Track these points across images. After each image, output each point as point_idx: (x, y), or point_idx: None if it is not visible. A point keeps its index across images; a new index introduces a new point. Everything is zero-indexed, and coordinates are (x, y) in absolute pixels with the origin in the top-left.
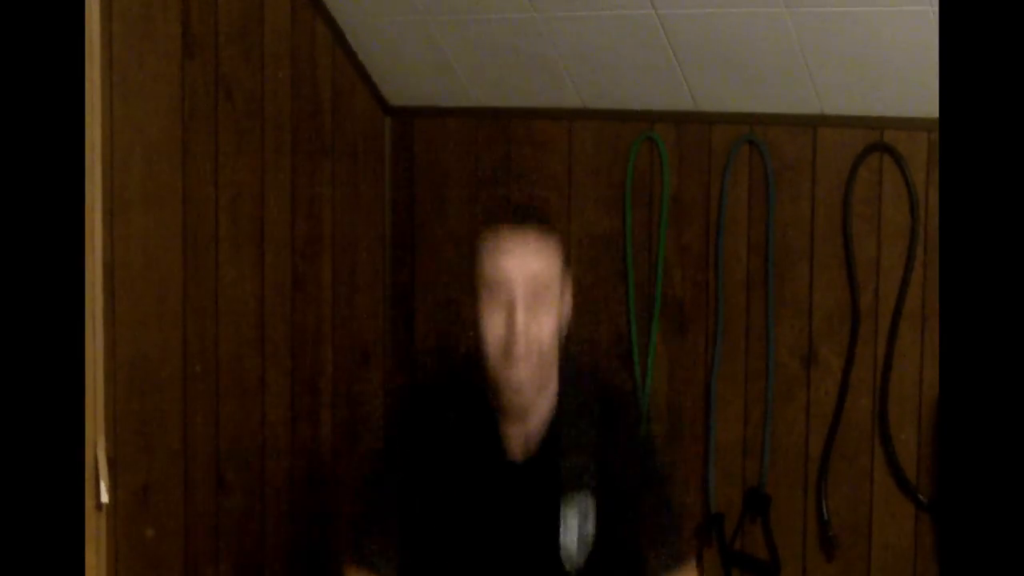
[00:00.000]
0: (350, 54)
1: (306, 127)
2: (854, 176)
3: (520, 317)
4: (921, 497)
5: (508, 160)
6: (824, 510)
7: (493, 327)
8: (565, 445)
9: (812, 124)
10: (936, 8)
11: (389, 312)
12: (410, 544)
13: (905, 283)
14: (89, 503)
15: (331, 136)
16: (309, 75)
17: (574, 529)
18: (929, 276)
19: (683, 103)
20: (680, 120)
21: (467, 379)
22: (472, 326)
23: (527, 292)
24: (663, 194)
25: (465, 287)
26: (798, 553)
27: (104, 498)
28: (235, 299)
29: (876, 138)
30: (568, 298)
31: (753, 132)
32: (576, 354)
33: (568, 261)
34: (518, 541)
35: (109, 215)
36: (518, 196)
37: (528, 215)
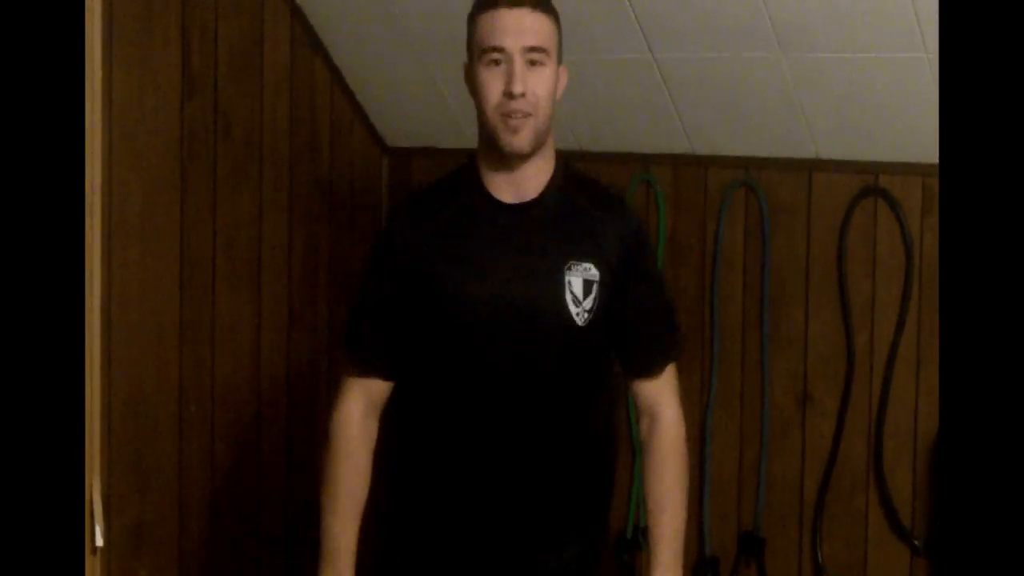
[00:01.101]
0: (348, 93)
1: (304, 165)
2: (849, 219)
3: (519, 78)
4: (916, 542)
5: None
6: (819, 553)
7: (492, 88)
8: (561, 209)
9: (807, 168)
10: (930, 55)
11: None
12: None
13: (900, 325)
14: (85, 546)
15: (328, 174)
16: (307, 114)
17: (578, 282)
18: (924, 319)
19: (679, 146)
20: (676, 162)
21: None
22: (471, 85)
23: (525, 57)
24: (659, 235)
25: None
26: None
27: (99, 542)
28: (232, 335)
29: (871, 182)
30: (563, 81)
31: (748, 175)
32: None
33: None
34: (515, 283)
35: (107, 251)
36: None
37: None
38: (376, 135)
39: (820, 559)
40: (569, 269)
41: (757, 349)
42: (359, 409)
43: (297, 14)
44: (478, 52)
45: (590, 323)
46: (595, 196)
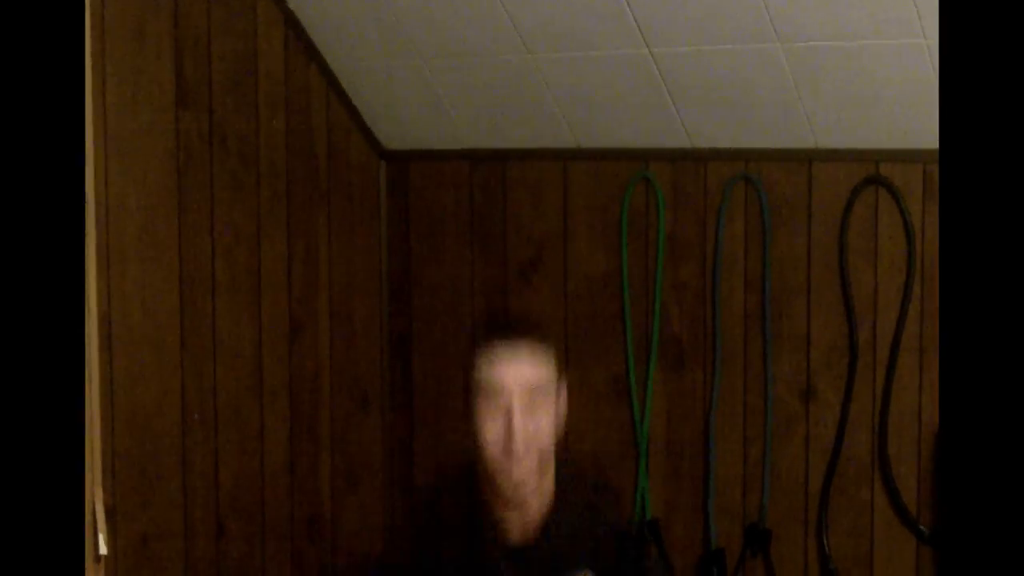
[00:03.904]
0: (344, 99)
1: (301, 173)
2: (850, 210)
3: (518, 419)
4: (922, 529)
5: (504, 202)
6: (825, 545)
7: (492, 430)
8: (561, 532)
9: (807, 159)
10: (929, 42)
11: (388, 356)
12: None
13: (903, 316)
14: (88, 555)
15: (326, 182)
16: (303, 121)
17: None
18: (927, 309)
19: (678, 141)
20: (675, 158)
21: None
22: (471, 429)
23: (523, 398)
24: (659, 232)
25: (462, 337)
26: None
27: (103, 550)
28: (233, 347)
29: (871, 171)
30: (564, 399)
31: (748, 168)
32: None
33: (562, 365)
34: None
35: (105, 265)
36: (514, 241)
37: (520, 327)
38: (373, 140)
39: (826, 550)
40: None
41: (760, 343)
42: None
43: (291, 21)
44: (478, 386)
45: None
46: (589, 501)
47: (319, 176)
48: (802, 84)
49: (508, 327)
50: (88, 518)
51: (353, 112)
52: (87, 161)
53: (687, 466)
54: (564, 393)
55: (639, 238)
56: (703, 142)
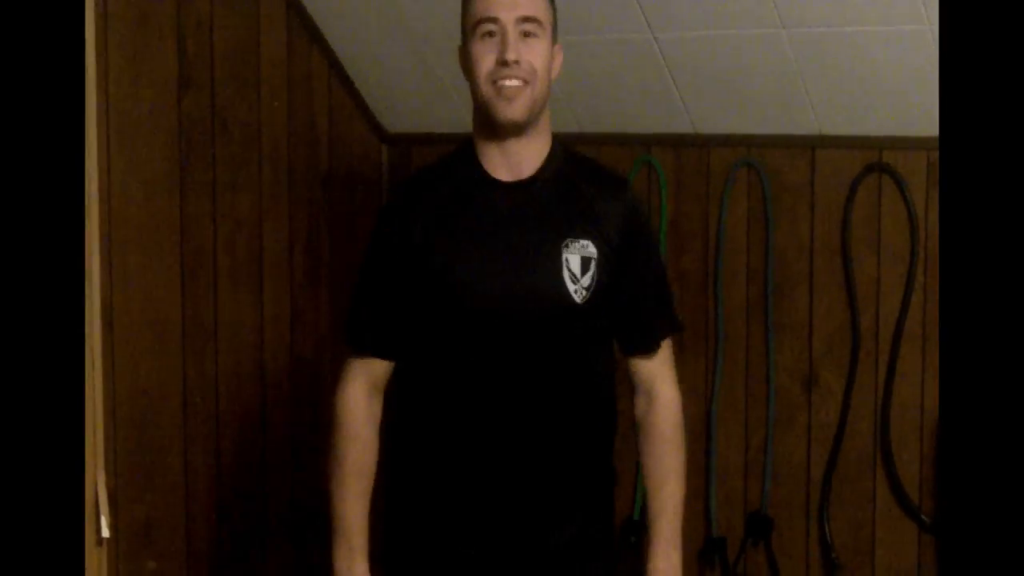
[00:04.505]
0: (346, 83)
1: (303, 158)
2: (853, 197)
3: (511, 44)
4: (924, 518)
5: None
6: (827, 532)
7: (484, 65)
8: (559, 187)
9: (810, 145)
10: (933, 28)
11: None
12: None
13: (905, 304)
14: (90, 538)
15: (328, 166)
16: (306, 105)
17: (576, 260)
18: (929, 296)
19: (681, 126)
20: (678, 143)
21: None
22: (465, 64)
23: (519, 27)
24: (661, 218)
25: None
26: None
27: (105, 533)
28: (234, 332)
29: (874, 158)
30: (559, 62)
31: (751, 155)
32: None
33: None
34: (514, 261)
35: (107, 250)
36: None
37: None
38: (375, 123)
39: (828, 538)
40: (567, 247)
41: (762, 331)
42: (363, 390)
43: (293, 5)
44: (471, 26)
45: (588, 300)
46: (593, 175)
47: (321, 160)
48: (806, 70)
49: None
50: (91, 502)
51: (355, 96)
52: (89, 145)
53: (688, 454)
54: (560, 57)
55: None
56: (706, 128)
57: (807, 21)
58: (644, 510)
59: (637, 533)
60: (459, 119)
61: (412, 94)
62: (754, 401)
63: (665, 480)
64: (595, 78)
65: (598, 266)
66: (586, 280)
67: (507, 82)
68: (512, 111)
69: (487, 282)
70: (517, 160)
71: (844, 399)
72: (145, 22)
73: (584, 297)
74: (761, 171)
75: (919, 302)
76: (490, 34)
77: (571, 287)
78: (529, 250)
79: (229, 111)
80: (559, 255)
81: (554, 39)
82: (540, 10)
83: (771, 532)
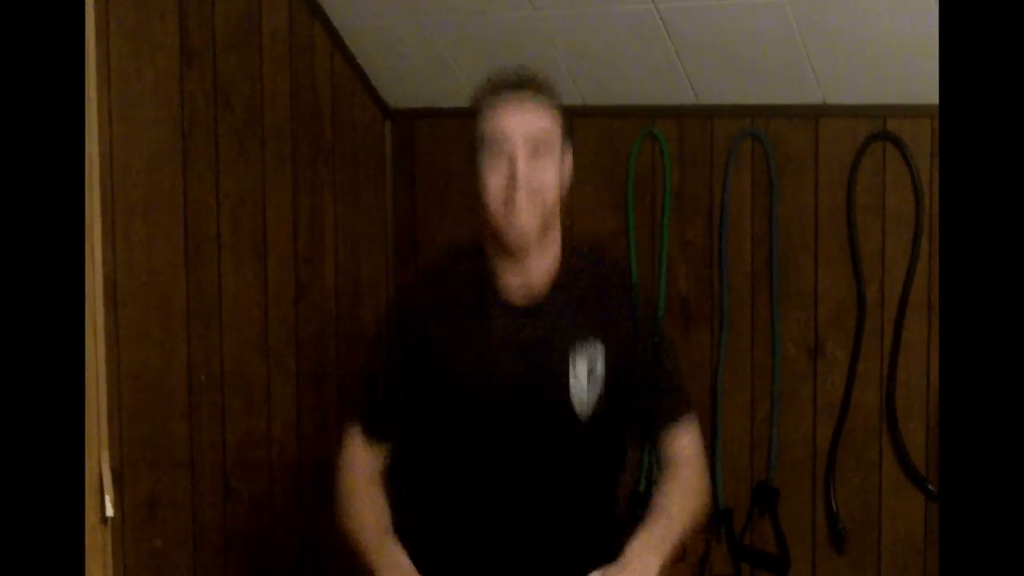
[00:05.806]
0: (349, 58)
1: (306, 133)
2: (857, 166)
3: (521, 166)
4: (931, 487)
5: None
6: (833, 503)
7: (495, 181)
8: (568, 300)
9: (814, 115)
10: None
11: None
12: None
13: (911, 273)
14: (94, 517)
15: (331, 141)
16: (308, 81)
17: (583, 374)
18: (934, 265)
19: (684, 97)
20: (681, 115)
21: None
22: (476, 187)
23: (527, 146)
24: (665, 190)
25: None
26: (808, 546)
27: (109, 512)
28: (238, 308)
29: (879, 127)
30: (569, 164)
31: (755, 125)
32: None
33: (568, 124)
34: (521, 382)
35: (111, 227)
36: None
37: (526, 77)
38: (378, 99)
39: (834, 508)
40: (576, 356)
41: (767, 301)
42: (367, 473)
43: None
44: (480, 140)
45: (597, 409)
46: (601, 273)
47: (324, 135)
48: (809, 39)
49: (514, 77)
50: (94, 480)
51: (358, 71)
52: (91, 122)
53: None
54: (569, 159)
55: (645, 196)
56: (710, 98)
57: None
58: (651, 483)
59: (643, 506)
60: (461, 94)
61: (415, 69)
62: (759, 372)
63: (685, 496)
64: (597, 50)
65: (606, 366)
66: (592, 389)
67: (517, 203)
68: (521, 225)
69: (496, 397)
70: (530, 277)
71: (850, 369)
72: None
73: (589, 410)
74: (765, 141)
75: (924, 271)
76: (500, 151)
77: (579, 397)
78: (539, 366)
79: (231, 86)
80: (567, 367)
81: (565, 147)
82: (549, 126)
83: (777, 503)
